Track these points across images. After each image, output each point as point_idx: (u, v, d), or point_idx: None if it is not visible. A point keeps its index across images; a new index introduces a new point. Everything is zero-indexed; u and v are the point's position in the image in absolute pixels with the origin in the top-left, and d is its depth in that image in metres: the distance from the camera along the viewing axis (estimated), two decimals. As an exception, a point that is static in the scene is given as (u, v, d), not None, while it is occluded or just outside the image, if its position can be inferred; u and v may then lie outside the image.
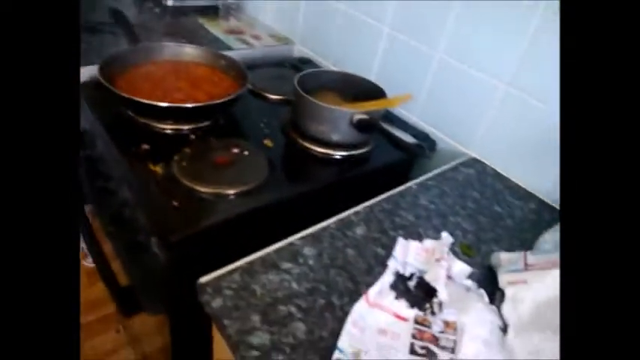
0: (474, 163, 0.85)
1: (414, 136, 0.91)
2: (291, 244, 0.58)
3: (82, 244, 0.81)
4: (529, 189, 0.79)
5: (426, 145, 0.89)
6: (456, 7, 0.82)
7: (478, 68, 0.82)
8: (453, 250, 0.62)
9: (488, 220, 0.71)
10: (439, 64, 0.88)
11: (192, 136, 0.77)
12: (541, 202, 0.77)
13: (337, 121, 0.77)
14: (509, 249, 0.63)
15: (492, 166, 0.84)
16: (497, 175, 0.82)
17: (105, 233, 0.79)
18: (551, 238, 0.64)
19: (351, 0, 1.02)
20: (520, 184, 0.80)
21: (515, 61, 0.76)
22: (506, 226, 0.70)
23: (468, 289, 0.55)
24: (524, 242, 0.67)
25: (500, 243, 0.66)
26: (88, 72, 0.88)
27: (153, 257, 0.62)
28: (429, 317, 0.51)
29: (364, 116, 0.75)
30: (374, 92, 0.83)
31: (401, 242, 0.58)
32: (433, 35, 0.87)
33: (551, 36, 0.70)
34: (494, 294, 0.55)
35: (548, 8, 0.69)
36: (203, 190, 0.64)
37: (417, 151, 0.69)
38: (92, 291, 1.23)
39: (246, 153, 0.74)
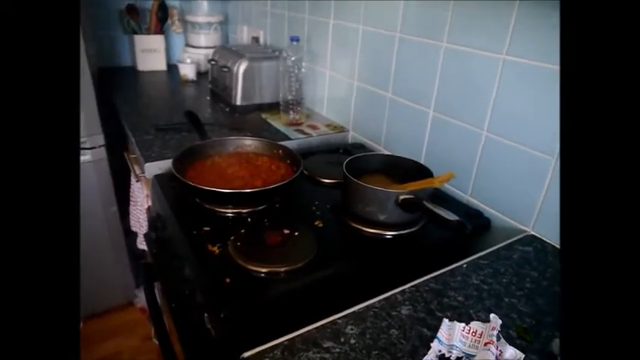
0: (531, 240, 0.81)
1: (467, 214, 0.90)
2: (333, 322, 0.58)
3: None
4: (597, 268, 0.73)
5: (476, 222, 0.88)
6: (494, 92, 0.85)
7: (522, 143, 0.82)
8: (507, 334, 0.58)
9: (548, 301, 0.66)
10: (486, 141, 0.89)
11: (249, 219, 0.84)
12: (611, 283, 0.70)
13: (383, 202, 0.79)
14: (575, 334, 0.58)
15: (553, 244, 0.80)
16: (559, 253, 0.78)
17: (168, 308, 0.85)
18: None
19: (396, 88, 1.10)
20: (586, 262, 0.75)
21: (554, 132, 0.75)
22: (571, 309, 0.65)
23: (522, 377, 0.51)
24: (593, 327, 0.61)
25: (564, 327, 0.61)
26: (164, 165, 1.01)
27: (206, 333, 0.65)
28: (478, 407, 0.47)
29: (409, 196, 0.77)
30: (421, 172, 0.86)
31: (445, 323, 0.56)
32: (478, 115, 0.90)
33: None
34: (557, 384, 0.51)
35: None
36: (253, 268, 0.68)
37: (458, 227, 0.68)
38: None
39: (296, 233, 0.78)
